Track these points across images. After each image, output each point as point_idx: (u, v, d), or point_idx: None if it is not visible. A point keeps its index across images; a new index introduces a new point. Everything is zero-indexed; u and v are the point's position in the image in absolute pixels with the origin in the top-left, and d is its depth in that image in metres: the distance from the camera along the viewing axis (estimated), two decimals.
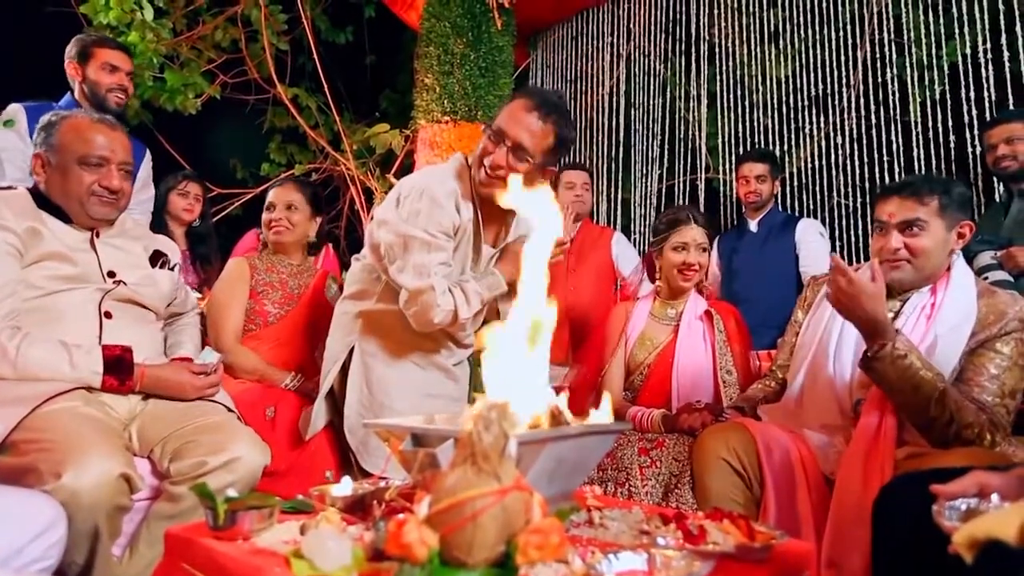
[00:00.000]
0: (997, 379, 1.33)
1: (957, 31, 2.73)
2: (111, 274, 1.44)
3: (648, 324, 1.97)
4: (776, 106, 3.29)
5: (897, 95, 2.94)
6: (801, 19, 3.18)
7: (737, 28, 3.38)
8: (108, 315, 1.40)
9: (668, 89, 3.66)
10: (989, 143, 2.27)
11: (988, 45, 2.63)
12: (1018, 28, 2.57)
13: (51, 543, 0.95)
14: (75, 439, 1.12)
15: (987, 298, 1.40)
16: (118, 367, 1.32)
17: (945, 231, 1.40)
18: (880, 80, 2.98)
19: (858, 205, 3.07)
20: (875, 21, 2.99)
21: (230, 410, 1.47)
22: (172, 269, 1.59)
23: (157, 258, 1.55)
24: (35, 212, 1.38)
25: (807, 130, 3.21)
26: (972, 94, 2.68)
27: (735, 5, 3.37)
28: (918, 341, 1.38)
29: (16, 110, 2.15)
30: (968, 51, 2.69)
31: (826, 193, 3.19)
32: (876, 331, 1.31)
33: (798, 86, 3.23)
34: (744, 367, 1.92)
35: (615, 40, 3.78)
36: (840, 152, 3.13)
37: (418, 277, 1.51)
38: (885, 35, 2.96)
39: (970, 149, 2.68)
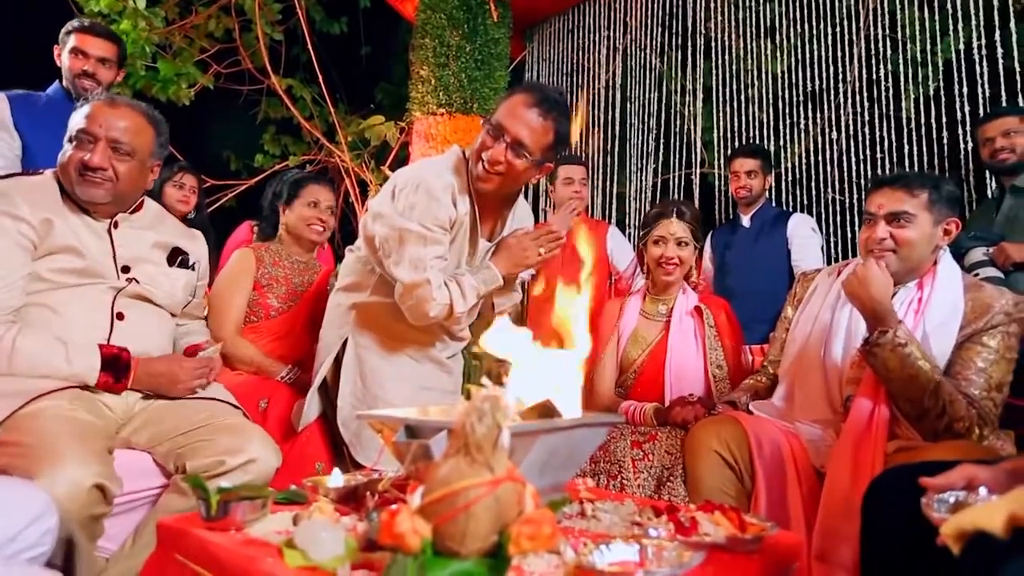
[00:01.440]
0: (984, 372, 1.35)
1: (952, 28, 2.73)
2: (125, 269, 1.40)
3: (640, 322, 1.97)
4: (771, 101, 3.29)
5: (891, 91, 2.95)
6: (797, 14, 3.18)
7: (733, 23, 3.38)
8: (120, 316, 1.37)
9: (664, 83, 3.66)
10: (985, 137, 2.27)
11: (982, 41, 2.64)
12: (1012, 24, 2.58)
13: (45, 530, 0.95)
14: (48, 446, 1.09)
15: (973, 292, 1.42)
16: (115, 365, 1.30)
17: (932, 225, 1.42)
18: (875, 76, 2.99)
19: (852, 201, 3.09)
20: (870, 17, 3.00)
21: (236, 407, 1.45)
22: (192, 268, 1.54)
23: (176, 255, 1.50)
24: (56, 200, 1.34)
25: (802, 125, 3.21)
26: (966, 90, 2.69)
27: (731, 0, 3.37)
28: (911, 323, 1.40)
29: None
30: (962, 47, 2.70)
31: (821, 188, 3.20)
32: (880, 317, 1.33)
33: (793, 81, 3.23)
34: (735, 361, 1.92)
35: (611, 34, 3.77)
36: (835, 147, 3.14)
37: (414, 271, 1.50)
38: (880, 31, 2.97)
39: (962, 145, 2.70)
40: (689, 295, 1.98)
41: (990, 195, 2.55)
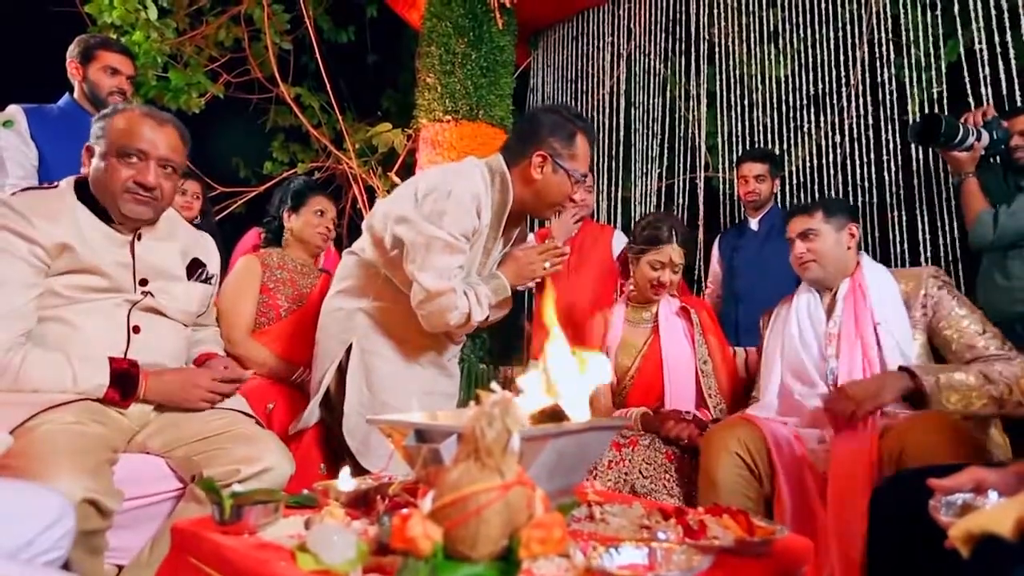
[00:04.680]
0: (986, 331, 1.50)
1: (958, 28, 2.73)
2: (143, 282, 1.39)
3: (626, 329, 2.01)
4: (775, 105, 3.30)
5: (895, 94, 2.94)
6: (800, 19, 3.18)
7: (737, 28, 3.39)
8: (136, 329, 1.37)
9: (668, 88, 3.67)
10: (1014, 131, 2.23)
11: (985, 45, 2.63)
12: (1009, 28, 2.57)
13: (60, 535, 0.96)
14: (42, 463, 1.08)
15: (897, 277, 1.65)
16: (123, 380, 1.30)
17: (835, 232, 1.71)
18: (878, 80, 2.99)
19: (857, 204, 3.08)
20: (873, 21, 3.00)
21: (249, 415, 1.45)
22: (208, 281, 1.54)
23: (195, 268, 1.50)
24: (73, 215, 1.32)
25: (806, 129, 3.21)
26: (969, 92, 2.68)
27: (735, 5, 3.38)
28: (865, 326, 1.59)
29: (15, 111, 2.15)
30: (966, 50, 2.70)
31: (825, 191, 3.20)
32: (896, 384, 1.43)
33: (797, 85, 3.24)
34: (721, 357, 1.96)
35: (615, 40, 3.78)
36: (838, 151, 3.14)
37: (440, 279, 1.52)
38: (883, 35, 2.97)
39: None
40: (672, 300, 2.02)
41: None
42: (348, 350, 1.70)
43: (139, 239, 1.41)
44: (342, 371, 1.70)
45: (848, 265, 1.72)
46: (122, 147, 1.32)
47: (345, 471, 1.04)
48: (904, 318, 1.57)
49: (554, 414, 0.95)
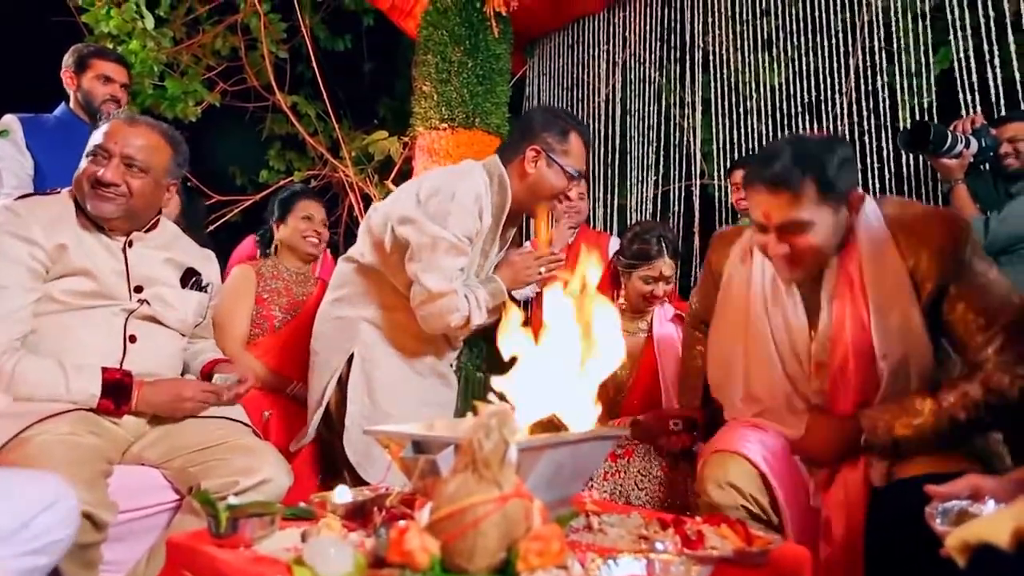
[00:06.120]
0: (995, 300, 1.10)
1: (950, 37, 2.75)
2: (138, 289, 1.40)
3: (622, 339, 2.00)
4: (770, 113, 3.32)
5: (888, 102, 2.97)
6: (794, 27, 3.21)
7: (731, 36, 3.41)
8: (132, 339, 1.37)
9: (663, 96, 3.69)
10: (1003, 138, 2.24)
11: (975, 53, 2.66)
12: (997, 36, 2.59)
13: (60, 516, 0.94)
14: None
15: (897, 230, 1.16)
16: (116, 390, 1.29)
17: (833, 214, 1.13)
18: (871, 87, 3.01)
19: None
20: (866, 29, 3.03)
21: (246, 425, 1.45)
22: (204, 289, 1.54)
23: (189, 276, 1.50)
24: (71, 220, 1.35)
25: None
26: (961, 101, 2.70)
27: (729, 13, 3.40)
28: (859, 314, 1.18)
29: (11, 121, 2.17)
30: (959, 58, 2.72)
31: None
32: (850, 440, 1.18)
33: (791, 93, 3.26)
34: None
35: (611, 48, 3.80)
36: None
37: (443, 280, 1.52)
38: (876, 43, 3.00)
39: None
40: (666, 306, 2.04)
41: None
42: (348, 360, 1.67)
43: (130, 246, 1.42)
44: (342, 382, 1.68)
45: (840, 239, 1.19)
46: (92, 148, 1.36)
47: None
48: (907, 291, 1.12)
49: (552, 425, 0.95)
